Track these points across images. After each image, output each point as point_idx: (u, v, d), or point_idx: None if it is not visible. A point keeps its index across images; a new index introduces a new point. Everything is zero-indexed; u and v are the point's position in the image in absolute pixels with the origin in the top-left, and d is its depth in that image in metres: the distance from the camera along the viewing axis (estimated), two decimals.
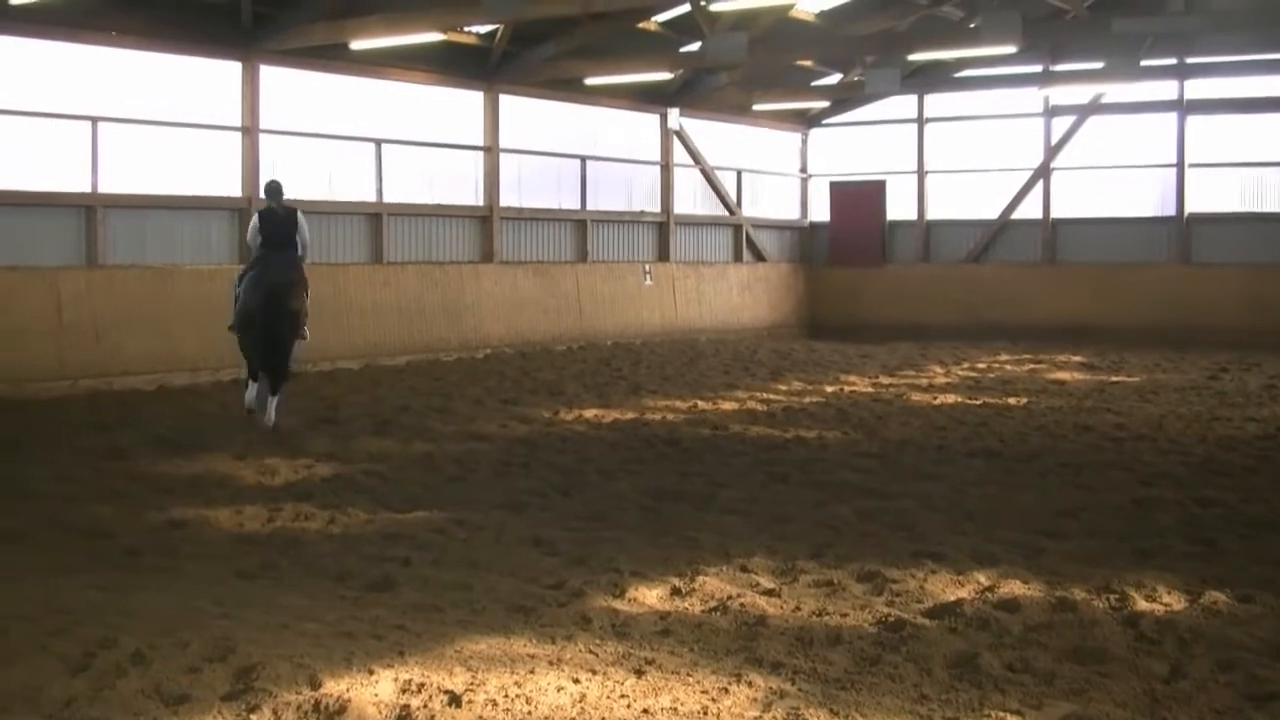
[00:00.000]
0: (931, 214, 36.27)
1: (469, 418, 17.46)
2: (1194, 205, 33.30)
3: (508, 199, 28.89)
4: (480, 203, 28.30)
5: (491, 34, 27.08)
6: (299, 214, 17.17)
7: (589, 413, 17.87)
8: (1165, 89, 33.27)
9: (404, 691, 6.46)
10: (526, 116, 29.43)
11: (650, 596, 8.24)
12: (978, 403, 19.38)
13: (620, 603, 8.10)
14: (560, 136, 30.54)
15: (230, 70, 23.48)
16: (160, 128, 22.69)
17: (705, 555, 9.34)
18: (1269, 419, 17.50)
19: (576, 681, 6.59)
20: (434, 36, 23.72)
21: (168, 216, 22.66)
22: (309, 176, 24.70)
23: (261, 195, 19.00)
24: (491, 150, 28.42)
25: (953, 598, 8.20)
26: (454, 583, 8.67)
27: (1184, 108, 33.22)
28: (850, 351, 28.46)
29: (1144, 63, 30.65)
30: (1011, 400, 19.72)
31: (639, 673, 6.74)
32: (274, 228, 16.84)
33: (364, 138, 25.93)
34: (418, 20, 22.67)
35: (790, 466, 13.50)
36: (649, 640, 7.34)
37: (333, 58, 24.43)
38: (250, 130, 23.61)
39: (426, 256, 26.94)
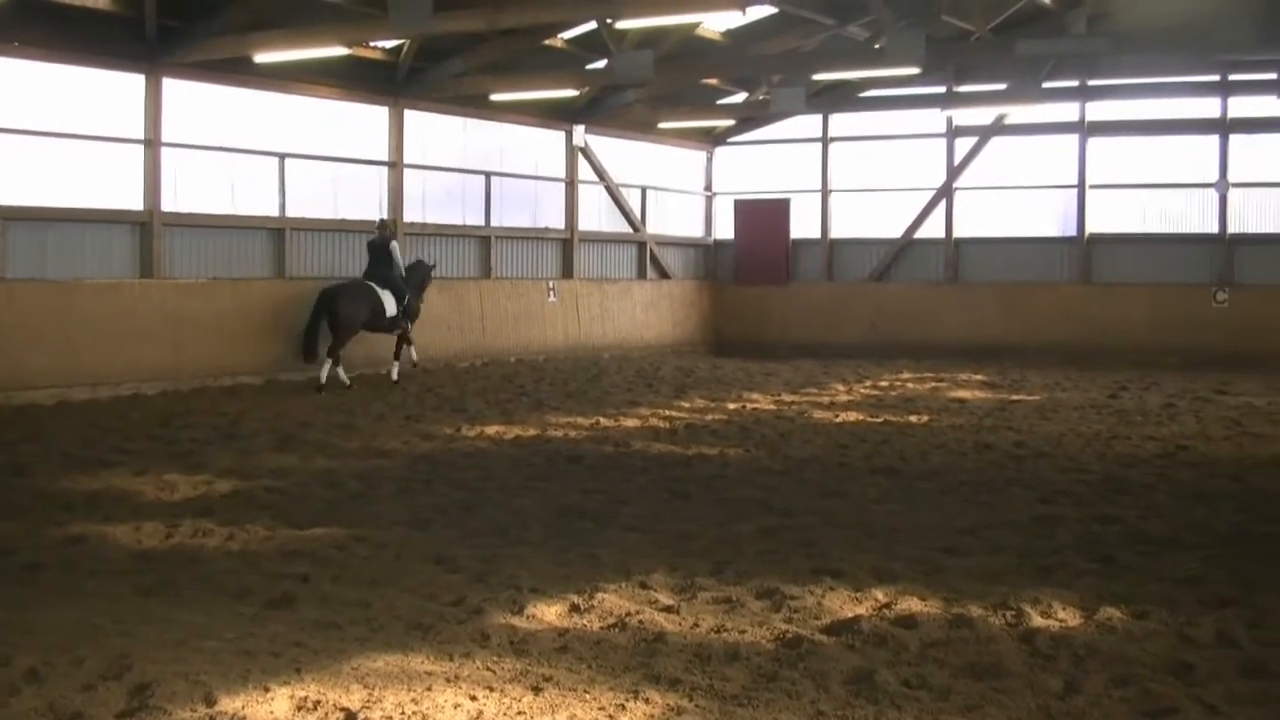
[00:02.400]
0: (836, 232, 36.46)
1: (372, 434, 17.41)
2: (1095, 226, 33.66)
3: (412, 215, 28.80)
4: (386, 219, 28.19)
5: (398, 49, 27.00)
6: (392, 244, 24.68)
7: (492, 429, 17.85)
8: (1067, 110, 33.62)
9: (300, 709, 6.45)
10: (432, 132, 29.35)
11: (549, 613, 8.24)
12: (880, 420, 19.50)
13: (519, 620, 8.09)
14: (466, 152, 30.48)
15: (134, 83, 23.25)
16: (62, 140, 22.44)
17: (606, 572, 9.36)
18: (1167, 437, 17.69)
19: (474, 699, 6.60)
20: (340, 51, 23.65)
21: (69, 230, 22.40)
22: (212, 190, 24.59)
23: None
24: (396, 166, 28.33)
25: (851, 614, 8.24)
26: (353, 600, 8.64)
27: (1085, 129, 33.58)
28: (754, 369, 28.55)
29: (1046, 84, 30.95)
30: (913, 418, 19.84)
31: (537, 690, 6.75)
32: (372, 254, 24.70)
33: (268, 152, 25.76)
34: (324, 35, 22.59)
35: (692, 484, 13.54)
36: (547, 657, 7.34)
37: (237, 71, 24.25)
38: (153, 143, 23.40)
39: (330, 272, 26.79)
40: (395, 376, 24.63)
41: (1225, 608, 8.53)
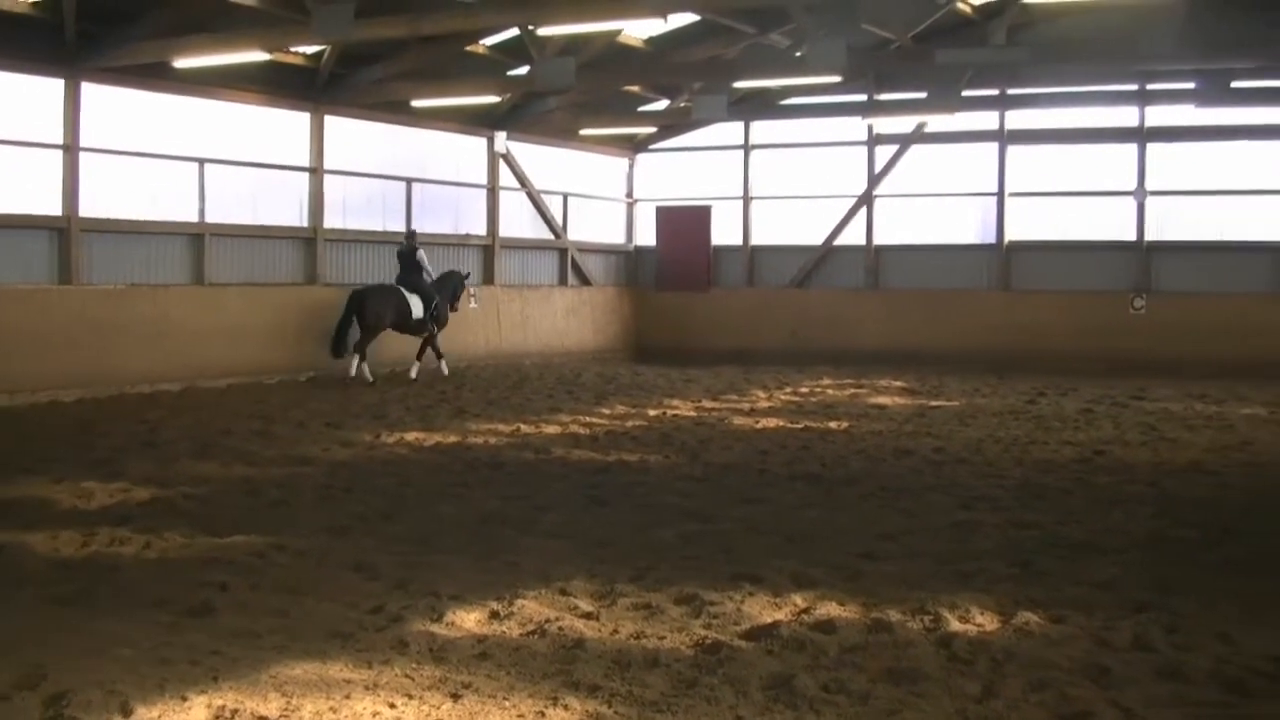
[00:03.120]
0: (757, 239, 36.56)
1: (291, 441, 17.32)
2: (1014, 233, 33.89)
3: (333, 221, 28.70)
4: (305, 224, 28.09)
5: (319, 55, 26.88)
6: (419, 253, 27.06)
7: (412, 436, 17.80)
8: (987, 119, 33.83)
9: (217, 718, 6.42)
10: (353, 138, 29.25)
11: (469, 620, 8.22)
12: (800, 427, 19.56)
13: (439, 627, 8.07)
14: (387, 159, 30.38)
15: (53, 88, 23.05)
16: None
17: (525, 579, 9.34)
18: (1085, 443, 17.83)
19: (392, 706, 6.59)
20: (261, 56, 23.52)
21: None
22: (131, 195, 24.41)
23: None
24: (317, 172, 28.21)
25: (770, 620, 8.27)
26: (272, 608, 8.59)
27: (1005, 138, 33.81)
28: (675, 375, 28.57)
29: (966, 93, 31.12)
30: (833, 424, 19.92)
31: (455, 697, 6.75)
32: (401, 262, 27.21)
33: (187, 157, 25.59)
34: (244, 40, 22.45)
35: (612, 490, 13.55)
36: (466, 664, 7.33)
37: (158, 76, 24.09)
38: (71, 148, 23.21)
39: (250, 278, 26.68)
40: (414, 375, 26.91)
41: (1142, 612, 8.61)
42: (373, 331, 25.98)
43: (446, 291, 27.76)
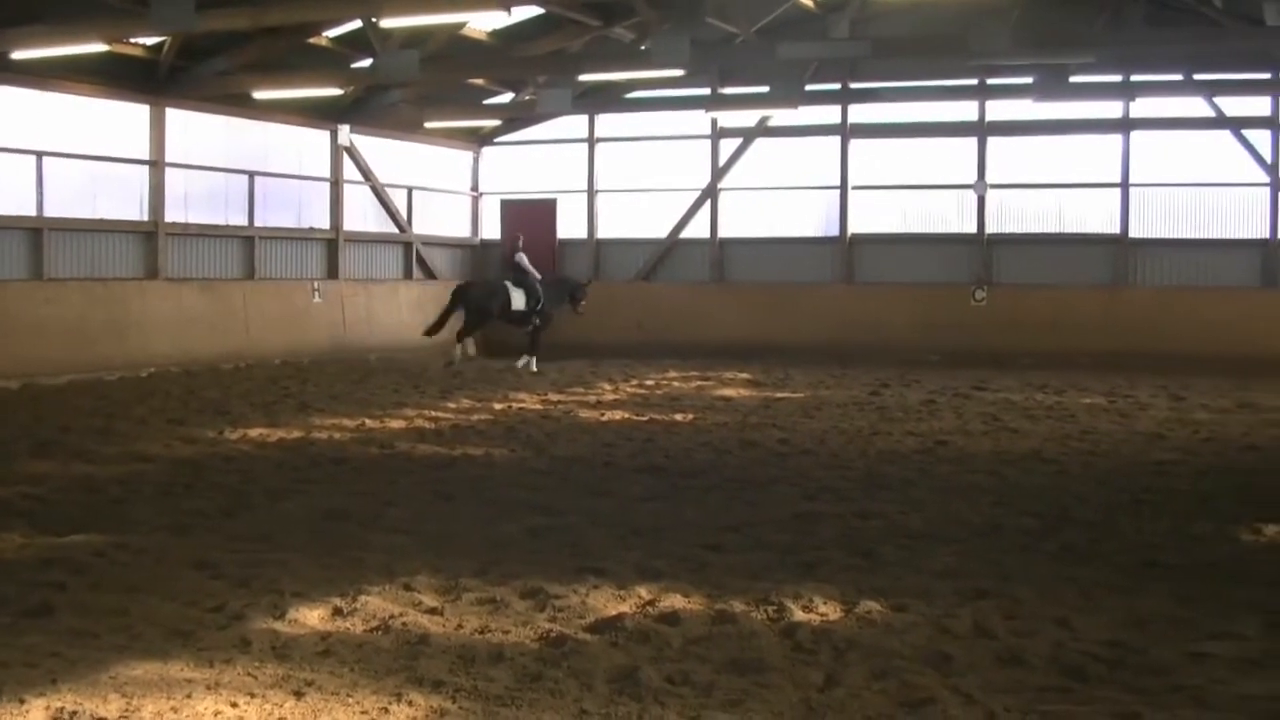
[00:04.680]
0: (602, 233, 36.66)
1: (133, 438, 17.05)
2: (857, 226, 34.23)
3: (174, 215, 28.39)
4: (146, 218, 27.77)
5: (159, 46, 26.57)
6: (518, 255, 29.23)
7: (255, 432, 17.59)
8: (829, 113, 34.12)
9: None
10: (195, 131, 28.95)
11: (312, 617, 8.14)
12: (645, 419, 19.61)
13: (281, 624, 7.98)
14: (230, 152, 30.10)
15: None
16: None
17: (369, 575, 9.26)
18: (927, 433, 18.03)
19: (234, 705, 6.51)
20: (99, 48, 23.20)
21: None
22: None
23: None
24: (158, 165, 27.90)
25: (615, 613, 8.27)
26: (112, 608, 8.45)
27: (847, 131, 34.12)
28: (521, 369, 28.52)
29: (809, 87, 31.36)
30: (679, 417, 19.99)
31: (299, 695, 6.68)
32: (510, 262, 29.79)
33: (24, 150, 25.25)
34: (83, 31, 22.13)
35: (458, 484, 13.50)
36: (309, 661, 7.26)
37: None
38: None
39: (90, 273, 26.33)
40: (534, 368, 28.47)
41: (982, 599, 8.71)
42: (475, 320, 29.21)
43: (556, 292, 29.88)
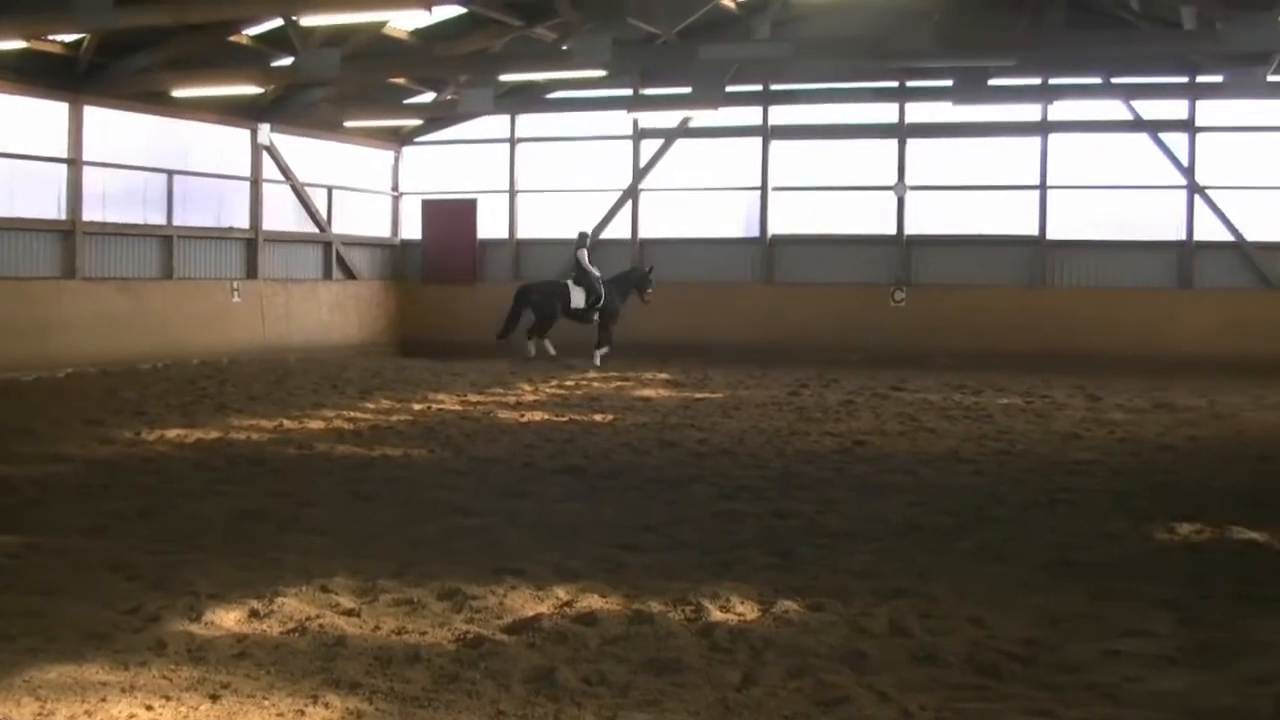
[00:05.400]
0: (523, 233, 36.65)
1: (49, 439, 16.88)
2: (777, 227, 34.35)
3: (92, 214, 28.19)
4: (63, 217, 27.57)
5: (78, 43, 26.37)
6: (579, 252, 31.30)
7: (173, 433, 17.47)
8: (750, 114, 34.23)
9: None
10: (114, 129, 28.76)
11: (228, 619, 8.09)
12: (565, 420, 19.61)
13: (197, 626, 7.92)
14: (148, 150, 29.92)
15: None
16: None
17: (287, 576, 9.21)
18: (845, 433, 18.11)
19: (149, 708, 6.46)
20: (17, 44, 23.00)
21: None
22: None
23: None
24: (76, 163, 27.70)
25: (532, 613, 8.26)
26: (27, 610, 8.35)
27: (768, 133, 34.24)
28: (441, 370, 28.47)
29: (730, 89, 31.43)
30: (598, 417, 19.99)
31: (214, 697, 6.64)
32: (575, 260, 31.39)
33: None
34: (1, 27, 21.94)
35: (376, 485, 13.46)
36: (225, 664, 7.21)
37: None
38: None
39: (6, 272, 26.10)
40: (597, 362, 30.52)
41: (898, 598, 8.75)
42: (542, 317, 31.03)
43: (619, 286, 31.37)
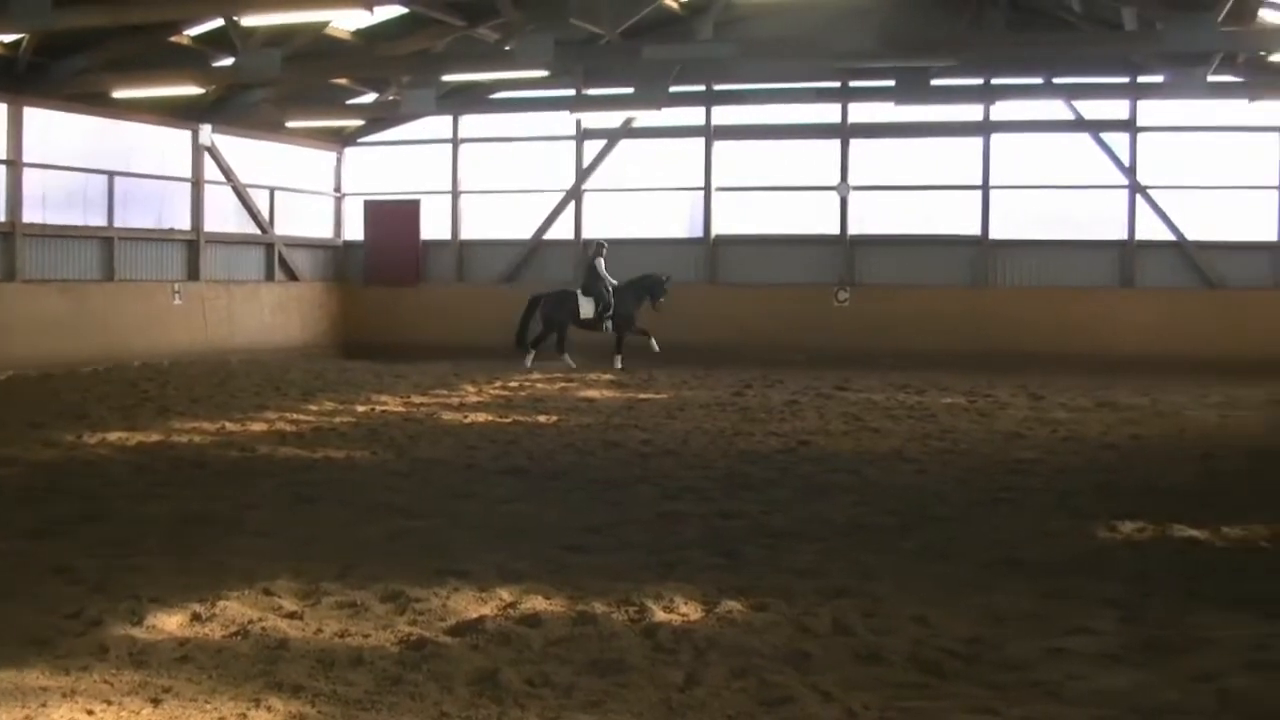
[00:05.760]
0: (466, 234, 36.59)
1: None
2: (721, 227, 34.40)
3: (32, 215, 28.01)
4: (3, 219, 27.40)
5: (17, 44, 26.20)
6: (595, 260, 30.95)
7: (114, 436, 17.36)
8: (694, 114, 34.27)
9: None
10: (54, 130, 28.58)
11: (170, 623, 8.04)
12: (509, 421, 19.58)
13: (139, 630, 7.87)
14: (89, 152, 29.75)
15: None
16: None
17: (229, 579, 9.15)
18: (790, 433, 18.14)
19: (91, 713, 6.43)
20: None
21: None
22: None
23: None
24: (15, 164, 27.53)
25: (476, 615, 8.24)
26: None
27: (711, 133, 34.29)
28: (384, 371, 28.37)
29: (674, 89, 31.44)
30: (542, 418, 19.97)
31: (156, 702, 6.61)
32: (586, 268, 31.45)
33: None
34: None
35: (319, 487, 13.39)
36: (167, 668, 7.17)
37: None
38: None
39: None
40: (618, 365, 30.21)
41: (841, 597, 8.78)
42: (548, 327, 30.88)
43: (633, 293, 31.01)
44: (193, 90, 28.72)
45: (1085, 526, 11.49)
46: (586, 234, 35.37)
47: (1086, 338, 31.34)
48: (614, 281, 30.89)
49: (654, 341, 30.48)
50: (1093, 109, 32.29)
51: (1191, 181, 31.94)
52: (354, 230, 37.75)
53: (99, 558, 9.98)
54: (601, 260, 31.09)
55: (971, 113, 32.72)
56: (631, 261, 34.18)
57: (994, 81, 31.79)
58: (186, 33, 27.72)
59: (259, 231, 34.71)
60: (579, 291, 30.83)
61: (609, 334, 30.99)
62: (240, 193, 34.02)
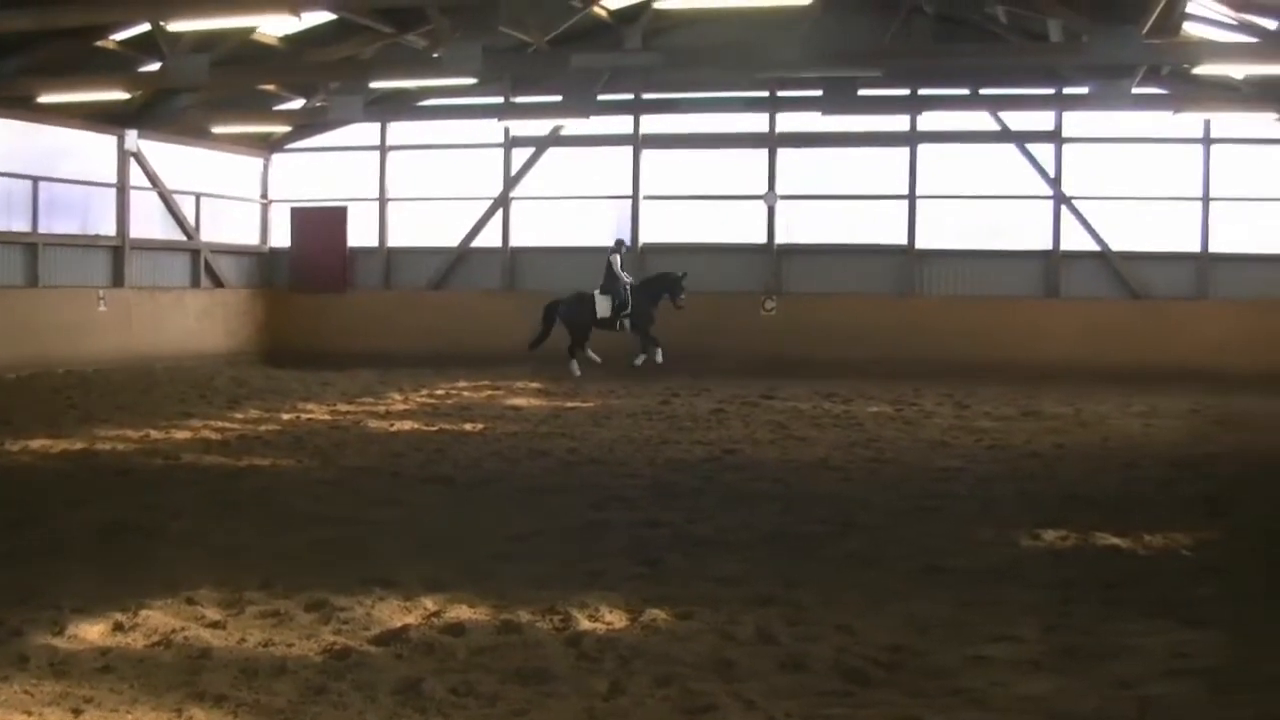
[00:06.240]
0: (394, 241, 36.48)
1: None
2: (649, 235, 34.42)
3: None
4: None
5: None
6: (610, 258, 31.06)
7: (37, 443, 17.22)
8: (622, 123, 34.30)
9: None
10: None
11: (92, 633, 7.98)
12: (435, 429, 19.56)
13: (60, 640, 7.80)
14: (12, 156, 29.49)
15: None
16: None
17: (152, 588, 9.09)
18: (715, 441, 18.18)
19: None
20: None
21: None
22: None
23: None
24: None
25: (400, 624, 8.23)
26: None
27: (639, 142, 34.33)
28: (310, 379, 28.24)
29: (602, 97, 31.46)
30: (469, 426, 19.95)
31: (77, 712, 6.56)
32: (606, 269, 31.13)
33: None
34: None
35: (244, 496, 13.35)
36: (89, 678, 7.11)
37: None
38: None
39: None
40: (658, 358, 30.69)
41: (766, 605, 8.80)
42: (573, 330, 31.02)
43: (650, 291, 31.02)
44: (119, 95, 28.50)
45: (1008, 535, 11.56)
46: (514, 242, 35.37)
47: (1012, 347, 31.52)
48: (630, 280, 31.04)
49: (660, 352, 30.72)
50: (1018, 120, 32.53)
51: (1116, 192, 32.23)
52: (281, 237, 37.57)
53: (18, 568, 9.90)
54: (618, 258, 31.23)
55: (898, 123, 32.91)
56: (556, 270, 34.25)
57: (921, 92, 31.99)
58: (113, 37, 27.52)
59: (185, 238, 34.50)
60: (596, 292, 30.95)
61: (626, 332, 31.18)
62: (166, 199, 33.80)
